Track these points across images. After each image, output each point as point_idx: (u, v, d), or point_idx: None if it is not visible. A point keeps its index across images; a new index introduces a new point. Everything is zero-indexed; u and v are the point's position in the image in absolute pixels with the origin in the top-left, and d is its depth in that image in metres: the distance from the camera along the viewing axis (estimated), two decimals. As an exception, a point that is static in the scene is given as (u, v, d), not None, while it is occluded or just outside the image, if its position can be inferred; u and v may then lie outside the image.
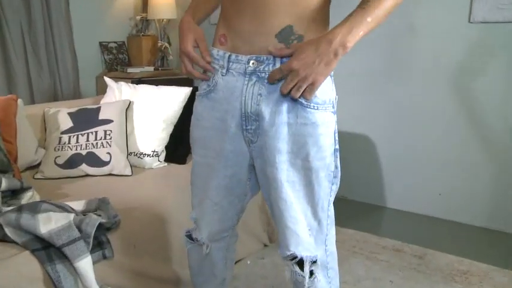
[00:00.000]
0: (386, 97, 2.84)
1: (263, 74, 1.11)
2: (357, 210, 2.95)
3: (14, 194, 1.72)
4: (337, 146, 1.16)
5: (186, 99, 2.32)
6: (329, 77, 1.13)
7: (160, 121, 2.31)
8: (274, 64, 1.10)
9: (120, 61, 3.49)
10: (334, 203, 1.20)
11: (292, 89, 1.06)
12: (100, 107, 2.27)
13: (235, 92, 1.15)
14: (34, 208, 1.47)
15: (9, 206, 1.62)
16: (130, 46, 3.54)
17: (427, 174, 2.78)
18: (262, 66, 1.11)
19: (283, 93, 1.09)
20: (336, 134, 1.16)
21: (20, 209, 1.48)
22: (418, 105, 2.74)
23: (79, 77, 3.18)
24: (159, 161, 2.31)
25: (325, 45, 1.01)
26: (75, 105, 2.39)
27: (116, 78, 3.21)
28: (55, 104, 2.50)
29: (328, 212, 1.20)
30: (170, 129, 2.35)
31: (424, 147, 2.76)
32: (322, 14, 1.13)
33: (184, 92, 2.32)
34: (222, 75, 1.18)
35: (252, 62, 1.12)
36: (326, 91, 1.12)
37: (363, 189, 3.05)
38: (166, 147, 2.35)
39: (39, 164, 2.20)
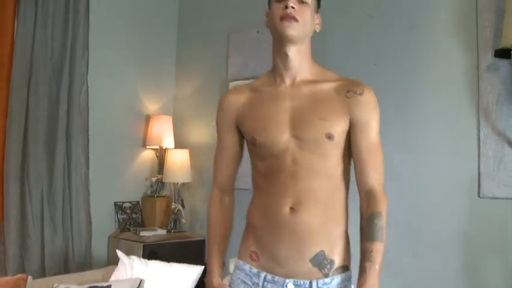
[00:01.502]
0: (398, 271, 2.77)
1: None
2: None
3: None
4: None
5: (198, 279, 2.29)
6: None
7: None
8: (311, 287, 1.27)
9: (133, 221, 3.53)
10: None
11: None
12: (110, 285, 2.25)
13: None
14: None
15: None
16: (144, 206, 3.61)
17: None
18: None
19: None
20: None
21: None
22: (429, 277, 2.66)
23: (91, 237, 3.20)
24: None
25: None
26: (84, 280, 2.37)
27: (128, 241, 3.24)
28: (65, 278, 2.49)
29: None
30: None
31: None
32: (346, 238, 1.35)
33: (196, 271, 2.31)
34: None
35: (289, 285, 1.27)
36: None
37: None
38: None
39: None
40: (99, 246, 3.35)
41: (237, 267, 1.40)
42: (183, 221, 3.54)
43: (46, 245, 2.89)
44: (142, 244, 3.15)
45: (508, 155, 2.47)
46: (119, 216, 3.48)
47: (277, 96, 1.41)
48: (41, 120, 2.87)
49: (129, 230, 3.42)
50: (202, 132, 3.75)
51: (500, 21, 2.42)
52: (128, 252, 3.03)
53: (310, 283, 1.26)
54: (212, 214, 1.55)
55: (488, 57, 2.54)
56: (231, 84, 3.53)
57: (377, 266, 1.24)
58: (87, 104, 3.11)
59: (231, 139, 1.52)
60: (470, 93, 2.59)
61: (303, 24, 1.36)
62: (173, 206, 3.53)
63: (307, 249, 1.28)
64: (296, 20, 1.34)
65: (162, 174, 3.58)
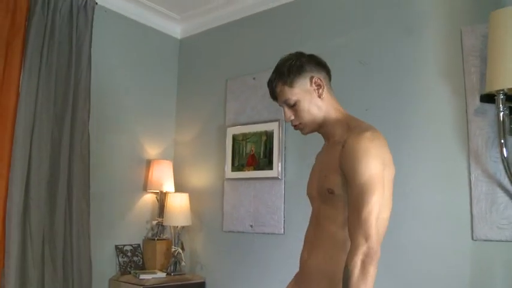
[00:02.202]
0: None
1: None
2: None
3: None
4: None
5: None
6: None
7: None
8: None
9: (134, 264, 3.56)
10: None
11: None
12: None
13: None
14: None
15: None
16: (145, 249, 3.64)
17: None
18: None
19: None
20: None
21: None
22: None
23: (92, 280, 3.22)
24: None
25: None
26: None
27: (128, 284, 3.26)
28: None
29: None
30: None
31: None
32: None
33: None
34: None
35: None
36: None
37: None
38: None
39: None
40: (100, 290, 3.37)
41: None
42: (183, 263, 3.56)
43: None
44: (142, 287, 3.17)
45: (499, 197, 2.50)
46: (120, 259, 3.51)
47: (319, 156, 1.69)
48: (43, 166, 2.95)
49: (130, 273, 3.44)
50: (202, 177, 3.82)
51: (485, 67, 2.50)
52: (127, 296, 3.06)
53: None
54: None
55: (475, 102, 2.61)
56: (229, 130, 3.63)
57: None
58: (88, 150, 3.20)
59: None
60: (460, 137, 2.65)
61: (306, 120, 1.56)
62: (173, 249, 3.56)
63: (315, 286, 1.49)
64: (299, 124, 1.57)
65: (163, 217, 3.63)
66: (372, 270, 1.29)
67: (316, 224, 1.55)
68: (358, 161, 1.38)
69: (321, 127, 1.59)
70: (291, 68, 1.58)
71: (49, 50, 3.04)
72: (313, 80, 1.58)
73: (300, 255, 1.68)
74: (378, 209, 1.35)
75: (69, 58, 3.15)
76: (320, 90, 1.57)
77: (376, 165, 1.39)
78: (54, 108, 3.06)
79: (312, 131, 1.59)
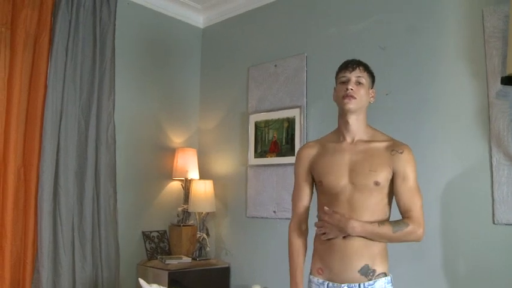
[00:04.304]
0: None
1: None
2: None
3: None
4: None
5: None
6: None
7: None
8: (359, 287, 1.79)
9: (161, 250, 3.67)
10: None
11: None
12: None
13: None
14: None
15: None
16: (171, 235, 3.74)
17: None
18: None
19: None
20: None
21: None
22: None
23: (120, 266, 3.34)
24: None
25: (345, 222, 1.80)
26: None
27: (155, 268, 3.38)
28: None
29: None
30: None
31: None
32: (385, 253, 1.87)
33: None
34: None
35: (344, 287, 1.81)
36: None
37: None
38: None
39: None
40: (128, 274, 3.50)
41: (310, 281, 1.93)
42: (208, 249, 3.65)
43: (77, 272, 3.05)
44: (167, 272, 3.28)
45: (521, 181, 2.47)
46: (147, 245, 3.62)
47: (340, 151, 1.95)
48: (70, 156, 3.07)
49: (157, 258, 3.55)
50: (226, 163, 3.88)
51: (507, 49, 2.45)
52: (155, 280, 3.17)
53: (359, 285, 1.79)
54: (293, 240, 2.03)
55: (497, 84, 2.56)
56: (251, 117, 3.67)
57: (376, 229, 1.79)
58: (114, 140, 3.30)
59: (305, 181, 2.04)
60: (481, 120, 2.62)
61: (359, 100, 1.90)
62: (198, 235, 3.65)
63: (355, 264, 1.81)
64: (354, 98, 1.88)
65: (188, 204, 3.72)
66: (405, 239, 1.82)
67: (349, 209, 1.85)
68: (412, 165, 1.88)
69: (358, 115, 1.93)
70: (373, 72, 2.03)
71: (74, 44, 3.14)
72: (373, 89, 2.01)
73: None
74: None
75: (93, 51, 3.25)
76: (372, 98, 1.99)
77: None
78: (81, 101, 3.18)
79: (355, 109, 1.90)
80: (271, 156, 3.52)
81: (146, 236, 3.64)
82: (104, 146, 3.23)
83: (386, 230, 1.80)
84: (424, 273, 2.73)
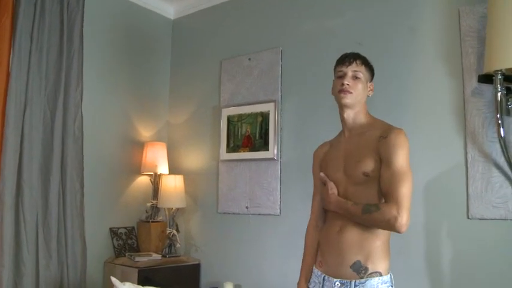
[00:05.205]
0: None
1: None
2: None
3: None
4: None
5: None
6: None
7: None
8: (350, 285, 1.75)
9: (129, 247, 3.55)
10: None
11: None
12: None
13: None
14: None
15: None
16: (139, 232, 3.63)
17: None
18: (344, 287, 1.77)
19: None
20: None
21: None
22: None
23: (86, 264, 3.21)
24: None
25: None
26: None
27: (123, 266, 3.26)
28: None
29: None
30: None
31: None
32: (382, 250, 1.80)
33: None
34: None
35: (337, 283, 1.79)
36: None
37: None
38: None
39: None
40: (95, 272, 3.36)
41: (313, 272, 1.96)
42: (178, 245, 3.56)
43: (41, 271, 2.89)
44: (137, 269, 3.17)
45: (495, 177, 2.52)
46: (115, 242, 3.50)
47: (338, 145, 1.99)
48: (35, 148, 2.91)
49: (125, 256, 3.43)
50: (197, 158, 3.80)
51: (483, 47, 2.50)
52: (123, 278, 3.05)
53: (350, 282, 1.75)
54: (306, 236, 2.08)
55: (473, 82, 2.61)
56: (224, 111, 3.60)
57: (349, 207, 1.80)
58: (82, 132, 3.16)
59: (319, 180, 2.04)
60: (457, 117, 2.65)
61: (356, 95, 1.89)
62: (168, 231, 3.55)
63: (347, 259, 1.78)
64: (350, 92, 1.88)
65: (157, 199, 3.61)
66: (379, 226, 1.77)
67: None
68: (397, 150, 1.78)
69: (355, 109, 1.92)
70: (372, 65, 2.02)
71: (39, 29, 2.96)
72: (371, 82, 2.01)
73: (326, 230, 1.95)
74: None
75: (60, 38, 3.08)
76: (370, 92, 1.99)
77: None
78: (46, 90, 3.01)
79: (351, 103, 1.90)
80: (244, 151, 3.46)
81: (114, 232, 3.51)
82: (71, 138, 3.08)
83: (356, 209, 1.76)
84: (406, 268, 2.75)
